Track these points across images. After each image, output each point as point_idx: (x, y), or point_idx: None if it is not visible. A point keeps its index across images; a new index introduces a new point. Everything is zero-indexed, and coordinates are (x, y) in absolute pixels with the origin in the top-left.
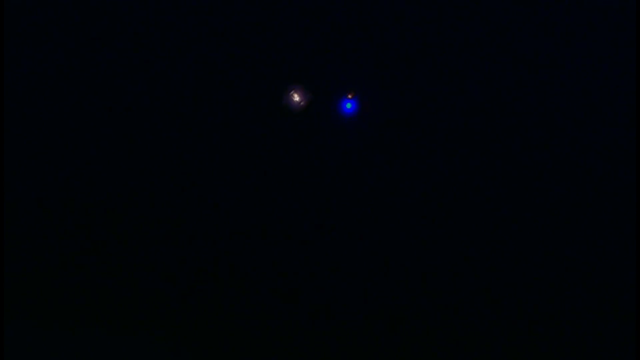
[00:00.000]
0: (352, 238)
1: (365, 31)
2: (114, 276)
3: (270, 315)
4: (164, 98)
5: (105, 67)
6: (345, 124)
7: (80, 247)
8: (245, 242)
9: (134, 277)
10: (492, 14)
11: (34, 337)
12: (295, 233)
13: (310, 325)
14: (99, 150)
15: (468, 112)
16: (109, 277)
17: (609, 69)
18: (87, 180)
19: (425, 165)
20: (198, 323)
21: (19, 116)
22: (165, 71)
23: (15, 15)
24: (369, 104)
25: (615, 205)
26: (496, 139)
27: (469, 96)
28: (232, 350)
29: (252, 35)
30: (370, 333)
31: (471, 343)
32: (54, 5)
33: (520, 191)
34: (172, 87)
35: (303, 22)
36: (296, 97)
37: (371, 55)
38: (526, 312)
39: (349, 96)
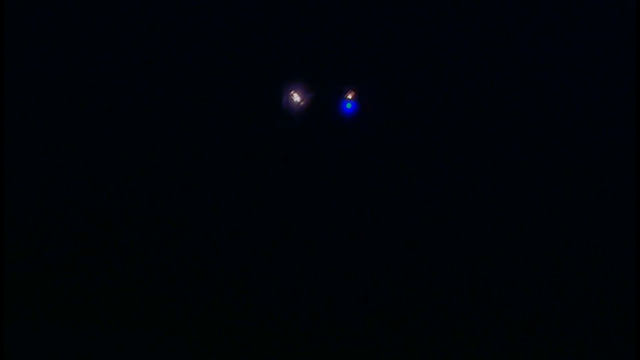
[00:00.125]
0: (352, 238)
1: (365, 31)
2: (114, 275)
3: (270, 315)
4: (164, 98)
5: (105, 67)
6: (345, 124)
7: (80, 247)
8: (245, 242)
9: (134, 277)
10: (493, 14)
11: (34, 336)
12: (295, 233)
13: (310, 326)
14: (99, 148)
15: (468, 112)
16: (109, 276)
17: (609, 69)
18: (87, 180)
19: (426, 165)
20: (198, 323)
21: (19, 116)
22: (165, 71)
23: (15, 15)
24: (369, 104)
25: (616, 205)
26: (497, 139)
27: (470, 96)
28: (232, 350)
29: (252, 35)
30: (371, 333)
31: (471, 343)
32: (54, 5)
33: (521, 191)
34: (172, 87)
35: (303, 22)
36: (296, 97)
37: (371, 55)
38: (526, 312)
39: (349, 96)
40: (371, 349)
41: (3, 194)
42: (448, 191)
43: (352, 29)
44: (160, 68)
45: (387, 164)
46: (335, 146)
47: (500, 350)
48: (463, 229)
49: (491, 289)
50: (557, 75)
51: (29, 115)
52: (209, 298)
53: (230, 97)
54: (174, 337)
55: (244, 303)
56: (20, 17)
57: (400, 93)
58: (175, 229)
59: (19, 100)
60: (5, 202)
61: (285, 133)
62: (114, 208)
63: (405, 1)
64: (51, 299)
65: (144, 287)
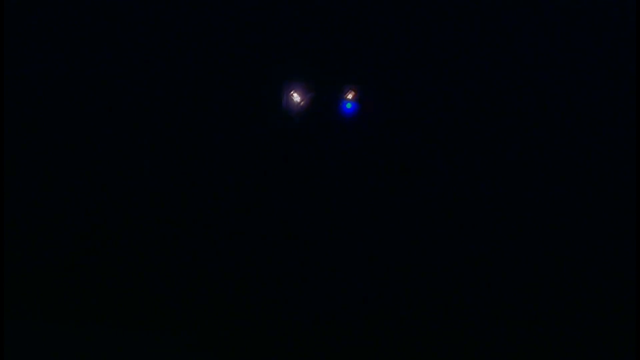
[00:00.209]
0: (352, 238)
1: (365, 31)
2: (115, 275)
3: (270, 315)
4: (164, 98)
5: (105, 67)
6: (345, 124)
7: (80, 247)
8: (245, 242)
9: (134, 277)
10: (493, 14)
11: (34, 336)
12: (295, 233)
13: (311, 326)
14: (99, 148)
15: (468, 112)
16: (109, 276)
17: (609, 69)
18: (87, 180)
19: (426, 165)
20: (198, 323)
21: (19, 116)
22: (165, 71)
23: (15, 15)
24: (369, 104)
25: (616, 205)
26: (497, 139)
27: (470, 96)
28: (232, 351)
29: (252, 35)
30: (371, 333)
31: (471, 343)
32: (54, 5)
33: (521, 191)
34: (172, 87)
35: (303, 22)
36: (296, 97)
37: (371, 55)
38: (526, 312)
39: (349, 96)
40: (371, 349)
41: (3, 194)
42: (448, 191)
43: (352, 29)
44: (160, 68)
45: (387, 164)
46: (335, 146)
47: (501, 350)
48: (463, 229)
49: (491, 289)
50: (557, 75)
51: (29, 115)
52: (209, 298)
53: (231, 97)
54: (174, 337)
55: (244, 303)
56: (20, 17)
57: (400, 93)
58: (175, 229)
59: (19, 100)
60: (5, 202)
61: (285, 133)
62: (114, 208)
63: (405, 1)
64: (51, 299)
65: (144, 287)
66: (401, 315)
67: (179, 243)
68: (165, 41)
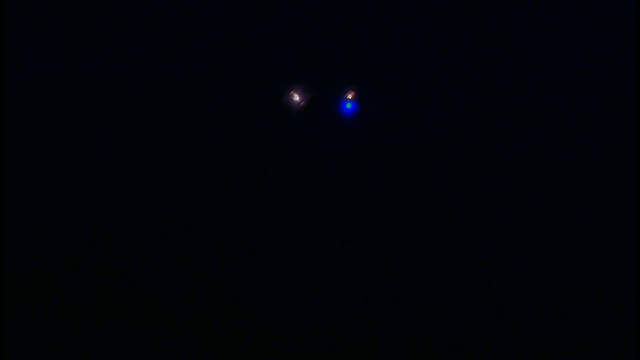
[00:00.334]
0: (352, 238)
1: (365, 31)
2: (115, 275)
3: (270, 315)
4: (164, 98)
5: (105, 67)
6: (345, 124)
7: (80, 247)
8: (245, 242)
9: (134, 277)
10: (493, 14)
11: (34, 336)
12: (295, 233)
13: (310, 326)
14: (99, 148)
15: (468, 112)
16: (109, 277)
17: (609, 69)
18: (87, 180)
19: (426, 165)
20: (198, 323)
21: (19, 116)
22: (165, 72)
23: (16, 15)
24: (369, 104)
25: (616, 205)
26: (497, 139)
27: (470, 96)
28: (232, 351)
29: (252, 36)
30: (371, 333)
31: (471, 343)
32: (54, 5)
33: (521, 191)
34: (172, 88)
35: (303, 22)
36: (296, 97)
37: (371, 56)
38: (526, 312)
39: (349, 96)
40: (371, 348)
41: (3, 194)
42: (448, 191)
43: (352, 30)
44: (160, 68)
45: (387, 164)
46: (335, 146)
47: (501, 350)
48: (463, 229)
49: (491, 289)
50: (557, 75)
51: (29, 115)
52: (209, 298)
53: (231, 97)
54: (174, 337)
55: (244, 303)
56: (20, 17)
57: (401, 93)
58: (175, 229)
59: (19, 100)
60: (5, 202)
61: (285, 133)
62: (114, 208)
63: (405, 1)
64: (51, 299)
65: (144, 287)
66: (401, 315)
67: (179, 243)
68: (166, 41)
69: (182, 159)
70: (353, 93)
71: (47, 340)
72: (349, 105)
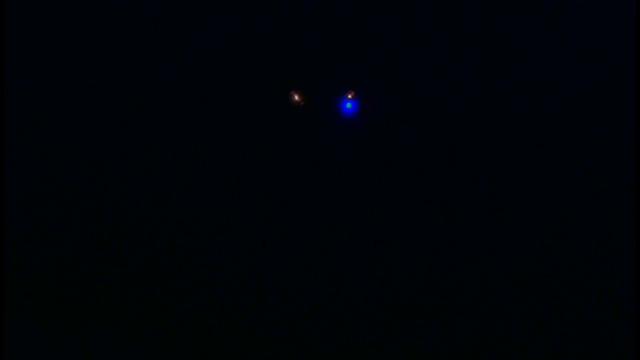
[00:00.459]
0: (352, 238)
1: (365, 31)
2: (115, 276)
3: (270, 315)
4: (164, 98)
5: (105, 67)
6: (345, 124)
7: (80, 247)
8: (245, 242)
9: (134, 277)
10: (493, 14)
11: (34, 336)
12: (295, 233)
13: (310, 325)
14: (99, 148)
15: (468, 112)
16: (109, 277)
17: (609, 69)
18: (87, 180)
19: (426, 165)
20: (198, 323)
21: (19, 116)
22: (165, 72)
23: (15, 15)
24: (369, 104)
25: (616, 205)
26: (497, 139)
27: (470, 96)
28: (232, 351)
29: (253, 36)
30: (371, 333)
31: (471, 343)
32: (54, 5)
33: (521, 191)
34: (172, 88)
35: (304, 22)
36: (296, 97)
37: (371, 55)
38: (526, 312)
39: (349, 96)
40: (371, 348)
41: (3, 194)
42: (448, 191)
43: (352, 30)
44: (160, 68)
45: (387, 164)
46: (335, 146)
47: (501, 350)
48: (463, 229)
49: (491, 289)
50: (557, 75)
51: (29, 115)
52: (208, 298)
53: (231, 97)
54: (174, 337)
55: (244, 303)
56: (20, 17)
57: (401, 93)
58: (175, 229)
59: (19, 100)
60: (6, 202)
61: (285, 133)
62: (114, 208)
63: (405, 1)
64: (51, 299)
65: (144, 288)
66: (401, 315)
67: (179, 243)
68: (166, 41)
69: (182, 158)
70: (353, 93)
71: (47, 341)
72: (349, 105)
